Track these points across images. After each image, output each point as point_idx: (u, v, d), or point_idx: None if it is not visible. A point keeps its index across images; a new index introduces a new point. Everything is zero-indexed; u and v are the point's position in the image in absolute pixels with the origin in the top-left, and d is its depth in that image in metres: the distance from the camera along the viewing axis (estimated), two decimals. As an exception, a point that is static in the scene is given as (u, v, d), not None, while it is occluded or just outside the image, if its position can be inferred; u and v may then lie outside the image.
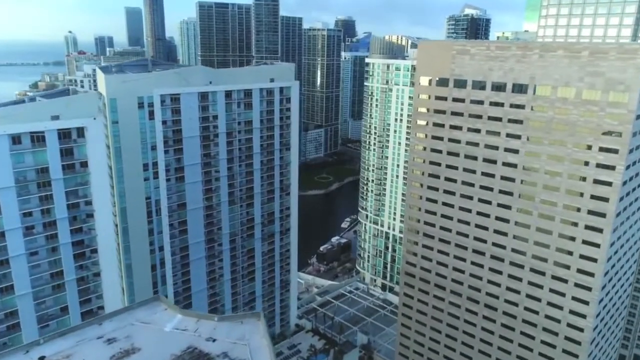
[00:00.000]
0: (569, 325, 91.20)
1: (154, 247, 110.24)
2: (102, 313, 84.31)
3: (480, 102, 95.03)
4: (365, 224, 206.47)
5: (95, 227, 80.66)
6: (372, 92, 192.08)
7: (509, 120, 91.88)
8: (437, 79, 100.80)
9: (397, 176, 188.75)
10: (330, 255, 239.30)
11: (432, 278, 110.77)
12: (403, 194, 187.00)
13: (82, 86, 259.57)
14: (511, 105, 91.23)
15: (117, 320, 65.71)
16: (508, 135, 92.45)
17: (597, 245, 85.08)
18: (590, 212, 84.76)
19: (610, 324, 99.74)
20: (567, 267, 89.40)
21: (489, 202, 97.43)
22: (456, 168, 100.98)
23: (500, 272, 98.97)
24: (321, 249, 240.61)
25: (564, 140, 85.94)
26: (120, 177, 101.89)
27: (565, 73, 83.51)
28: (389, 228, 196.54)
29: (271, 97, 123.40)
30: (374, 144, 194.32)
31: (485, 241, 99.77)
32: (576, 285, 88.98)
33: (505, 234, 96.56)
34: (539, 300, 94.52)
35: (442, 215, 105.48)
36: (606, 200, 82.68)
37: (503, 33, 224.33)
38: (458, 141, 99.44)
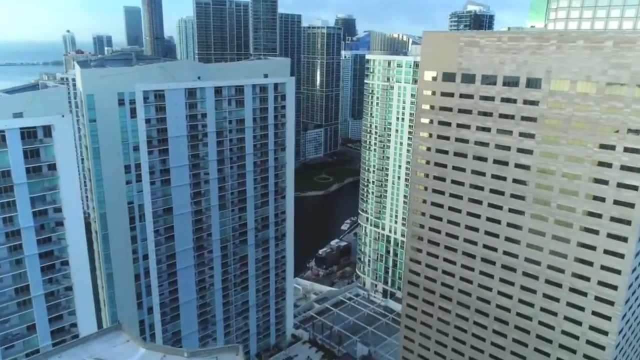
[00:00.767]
0: (588, 342, 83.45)
1: (137, 255, 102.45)
2: (75, 331, 76.76)
3: (491, 99, 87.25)
4: (365, 227, 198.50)
5: (66, 236, 72.72)
6: (372, 90, 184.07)
7: (522, 118, 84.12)
8: (443, 73, 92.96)
9: (399, 177, 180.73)
10: (329, 259, 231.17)
11: (437, 288, 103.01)
12: (405, 196, 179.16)
13: (75, 85, 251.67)
14: (525, 102, 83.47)
15: (67, 356, 56.36)
16: (521, 134, 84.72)
17: (621, 256, 77.34)
18: (613, 219, 76.97)
19: (633, 342, 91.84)
20: (587, 279, 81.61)
21: (500, 208, 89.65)
22: (464, 170, 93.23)
23: (512, 283, 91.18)
24: (320, 252, 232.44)
25: (583, 139, 78.21)
26: (99, 181, 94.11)
27: (585, 65, 75.72)
28: (390, 231, 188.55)
29: (265, 94, 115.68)
30: (375, 144, 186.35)
31: (495, 249, 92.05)
32: (597, 299, 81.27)
33: (517, 242, 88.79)
34: (555, 314, 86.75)
35: (449, 221, 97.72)
36: (631, 206, 74.83)
37: (509, 28, 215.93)
38: (466, 141, 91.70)
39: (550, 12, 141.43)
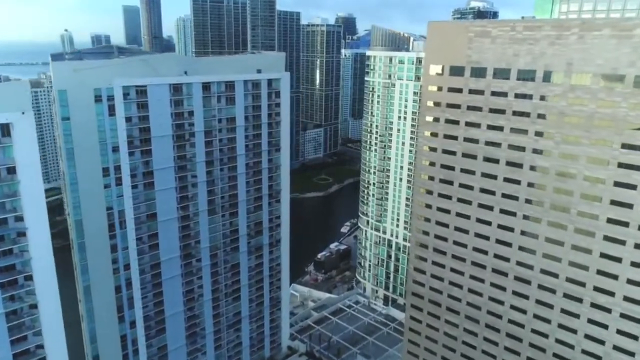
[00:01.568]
0: (612, 364, 75.45)
1: (118, 265, 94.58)
2: (42, 353, 68.72)
3: (503, 94, 79.38)
4: (366, 231, 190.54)
5: (29, 248, 64.73)
6: (373, 88, 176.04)
7: (539, 116, 76.40)
8: (451, 67, 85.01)
9: (401, 179, 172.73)
10: (328, 264, 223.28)
11: (443, 300, 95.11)
12: (407, 199, 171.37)
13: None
14: (542, 98, 75.64)
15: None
16: (537, 133, 76.96)
17: (651, 269, 69.36)
18: (641, 228, 68.97)
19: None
20: (611, 294, 73.78)
21: (513, 214, 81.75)
22: (473, 173, 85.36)
23: (526, 297, 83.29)
24: (319, 256, 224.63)
25: (608, 139, 70.37)
26: (74, 185, 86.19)
27: (612, 57, 67.87)
28: (391, 235, 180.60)
29: (257, 91, 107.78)
30: (375, 144, 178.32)
31: (508, 260, 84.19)
32: (622, 316, 73.45)
33: (532, 252, 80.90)
34: (574, 332, 78.86)
35: (456, 228, 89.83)
36: (663, 213, 66.90)
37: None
38: (476, 141, 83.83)
39: (561, 5, 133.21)
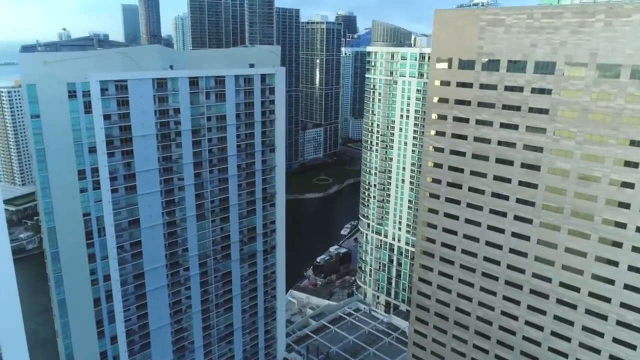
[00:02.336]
0: (641, 388, 67.90)
1: (97, 276, 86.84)
2: (3, 379, 60.86)
3: (519, 89, 72.06)
4: (366, 234, 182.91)
5: (-14, 262, 57.49)
6: (374, 85, 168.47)
7: (559, 113, 68.62)
8: (460, 59, 77.62)
9: (403, 181, 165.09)
10: (327, 267, 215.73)
11: (451, 314, 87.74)
12: (410, 201, 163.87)
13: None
14: (562, 93, 67.91)
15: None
16: (557, 132, 69.26)
17: (687, 285, 61.85)
18: (677, 239, 61.50)
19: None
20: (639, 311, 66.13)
21: (529, 221, 74.36)
22: (484, 176, 77.98)
23: (543, 312, 75.96)
24: (318, 260, 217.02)
25: (638, 138, 62.66)
26: (46, 189, 78.48)
27: (644, 45, 60.21)
28: (393, 239, 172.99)
29: (250, 87, 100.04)
30: (377, 144, 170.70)
31: (523, 271, 76.88)
32: (653, 336, 65.74)
33: (551, 264, 73.54)
34: (597, 352, 71.57)
35: (465, 236, 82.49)
36: (702, 223, 59.34)
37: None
38: (487, 140, 76.52)
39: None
